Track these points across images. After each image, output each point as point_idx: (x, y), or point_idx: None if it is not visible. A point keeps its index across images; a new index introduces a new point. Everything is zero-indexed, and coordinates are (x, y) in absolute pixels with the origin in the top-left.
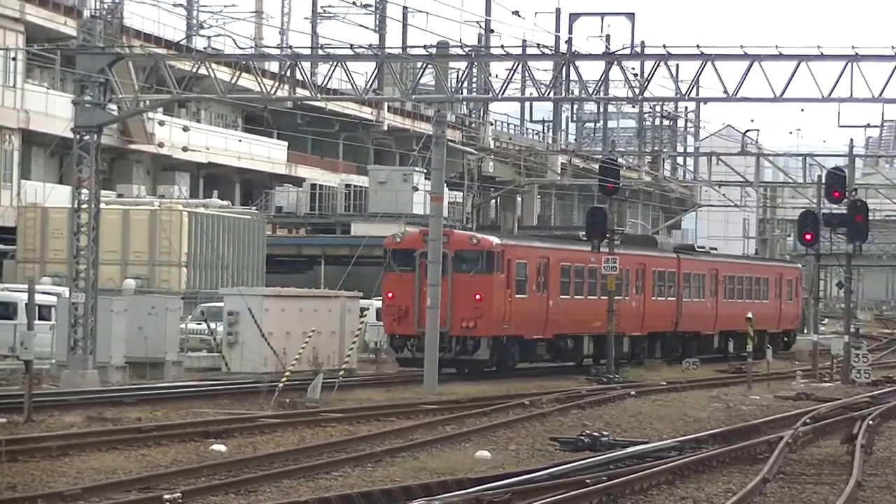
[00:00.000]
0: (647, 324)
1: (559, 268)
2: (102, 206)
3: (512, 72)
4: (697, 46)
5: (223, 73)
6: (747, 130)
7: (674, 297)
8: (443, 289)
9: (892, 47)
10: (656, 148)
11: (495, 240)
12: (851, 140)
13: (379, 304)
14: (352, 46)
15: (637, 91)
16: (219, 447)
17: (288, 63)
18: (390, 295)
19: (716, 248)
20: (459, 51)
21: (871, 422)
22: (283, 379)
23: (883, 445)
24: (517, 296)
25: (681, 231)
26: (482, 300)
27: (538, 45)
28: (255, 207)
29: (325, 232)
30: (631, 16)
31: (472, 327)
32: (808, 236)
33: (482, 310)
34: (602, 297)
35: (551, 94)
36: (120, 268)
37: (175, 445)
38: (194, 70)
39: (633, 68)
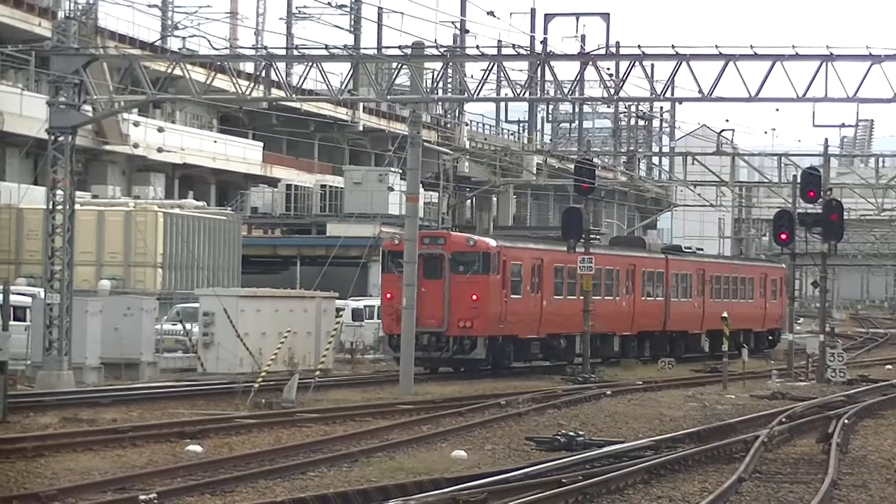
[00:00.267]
0: (637, 323)
1: (552, 269)
2: (77, 207)
3: (487, 72)
4: (672, 46)
5: (198, 74)
6: (722, 130)
7: (662, 297)
8: (440, 289)
9: (867, 47)
10: (632, 148)
11: (492, 241)
12: (826, 140)
13: (354, 304)
14: (327, 47)
15: (612, 91)
16: (194, 448)
17: (263, 64)
18: (388, 295)
19: (702, 249)
20: (434, 51)
21: (846, 421)
22: (259, 379)
23: (858, 444)
24: (512, 296)
25: (656, 231)
26: (479, 300)
27: (513, 45)
28: (230, 208)
29: (301, 232)
30: (606, 16)
31: (468, 327)
32: (783, 236)
33: (479, 310)
34: (595, 298)
35: (526, 95)
36: (95, 268)
37: (151, 446)
38: (169, 71)
39: (608, 68)
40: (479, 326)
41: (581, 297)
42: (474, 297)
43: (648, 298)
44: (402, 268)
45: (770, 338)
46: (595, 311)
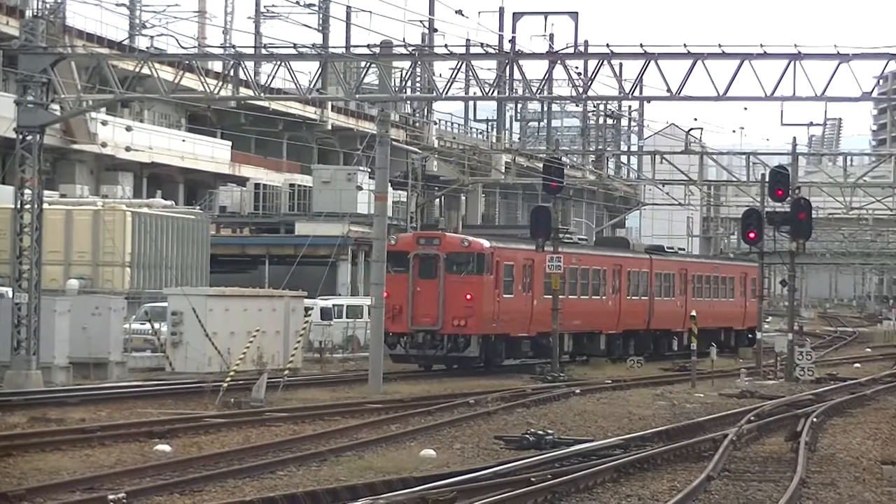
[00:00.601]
0: (623, 322)
1: (542, 269)
2: (45, 206)
3: (456, 71)
4: (641, 45)
5: (166, 73)
6: (691, 129)
7: (647, 296)
8: (435, 289)
9: (835, 46)
10: (600, 147)
11: (485, 242)
12: (794, 138)
13: (324, 303)
14: (295, 46)
15: (581, 90)
16: (163, 447)
17: (231, 62)
18: (385, 295)
19: (683, 249)
20: (403, 50)
21: (814, 419)
22: (228, 379)
23: (826, 443)
24: (505, 296)
25: (625, 229)
26: (473, 300)
27: (482, 44)
28: (198, 207)
29: (270, 231)
30: (574, 15)
31: (463, 325)
32: (751, 234)
33: (473, 309)
34: (581, 297)
35: (495, 94)
36: (63, 268)
37: (119, 445)
38: (137, 70)
39: (577, 67)
40: (473, 325)
41: (569, 297)
42: (468, 296)
43: (634, 298)
44: (399, 267)
45: (750, 336)
46: (583, 310)
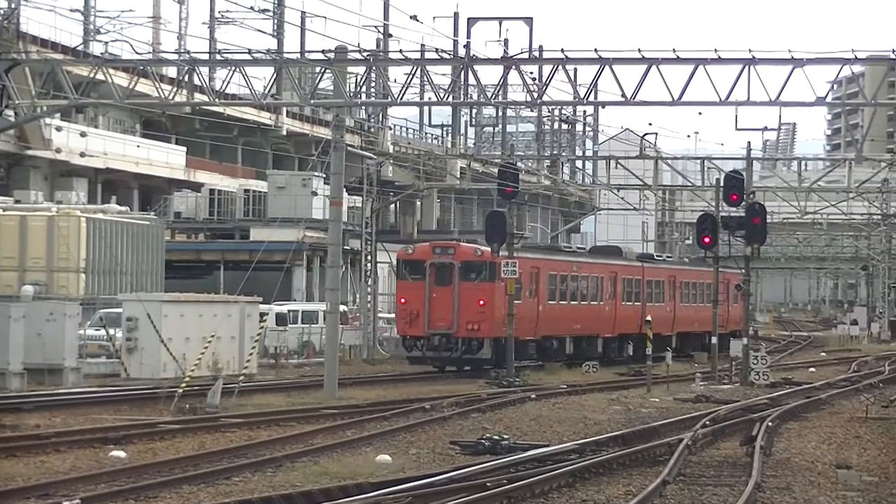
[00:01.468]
0: (618, 326)
1: (547, 276)
2: (0, 212)
3: (410, 76)
4: (595, 50)
5: (121, 79)
6: (645, 134)
7: (639, 301)
8: (450, 295)
9: (789, 51)
10: (555, 152)
11: None
12: (749, 143)
13: (279, 308)
14: (250, 51)
15: (535, 95)
16: (118, 453)
17: (186, 68)
18: (403, 300)
19: (671, 256)
20: (358, 55)
21: (770, 423)
22: (183, 384)
23: (782, 447)
24: (514, 302)
25: (580, 234)
26: (485, 305)
27: (436, 49)
28: (153, 213)
29: (224, 237)
30: (529, 20)
31: (476, 329)
32: (706, 239)
33: (485, 314)
34: (581, 303)
35: (450, 99)
36: (18, 274)
37: (74, 452)
38: (91, 75)
39: (532, 72)
40: (486, 329)
41: (570, 303)
42: (481, 302)
43: (627, 303)
44: (416, 275)
45: (732, 339)
46: (582, 315)
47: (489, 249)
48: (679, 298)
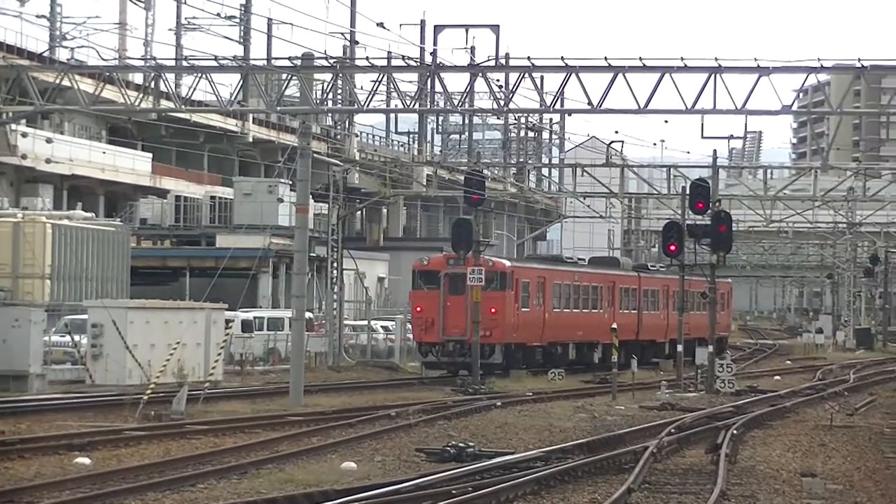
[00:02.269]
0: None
1: (552, 285)
2: None
3: (377, 83)
4: (562, 58)
5: (87, 85)
6: (612, 142)
7: (636, 309)
8: (463, 304)
9: (755, 59)
10: (521, 159)
11: (507, 262)
12: (715, 151)
13: (244, 315)
14: (216, 58)
15: (502, 103)
16: (83, 460)
17: (152, 74)
18: (418, 309)
19: (665, 267)
20: (324, 62)
21: (735, 431)
22: (148, 391)
23: (747, 455)
24: (522, 309)
25: (546, 242)
26: (497, 313)
27: (403, 56)
28: (119, 219)
29: (190, 244)
30: (496, 28)
31: (488, 336)
32: (672, 247)
33: (497, 321)
34: (584, 311)
35: (416, 106)
36: None
37: (39, 458)
38: (57, 81)
39: (498, 80)
40: (498, 335)
41: (573, 311)
42: (493, 310)
43: (625, 311)
44: (431, 285)
45: (720, 344)
46: (584, 323)
47: (500, 260)
48: (672, 307)
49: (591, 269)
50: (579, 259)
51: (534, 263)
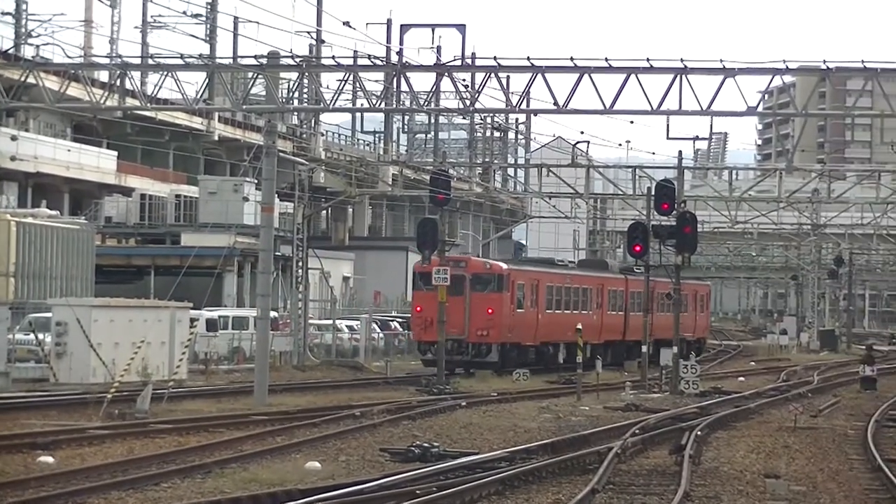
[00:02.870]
0: (604, 334)
1: (545, 287)
2: None
3: (343, 82)
4: (528, 58)
5: (52, 83)
6: (577, 142)
7: (622, 311)
8: (462, 304)
9: (721, 61)
10: (487, 159)
11: (504, 265)
12: (680, 152)
13: (209, 314)
14: (182, 56)
15: (468, 102)
16: (46, 459)
17: (117, 72)
18: (418, 309)
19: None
20: (290, 61)
21: (699, 432)
22: (112, 390)
23: (711, 456)
24: (517, 310)
25: (511, 242)
26: (494, 313)
27: (369, 55)
28: (84, 217)
29: (155, 242)
30: (462, 27)
31: (485, 335)
32: (637, 248)
33: (494, 321)
34: (574, 312)
35: (382, 105)
36: None
37: (2, 457)
38: (22, 79)
39: (464, 80)
40: (494, 335)
41: (564, 312)
42: (490, 310)
43: (612, 312)
44: (430, 286)
45: (697, 345)
46: (574, 323)
47: (497, 263)
48: (656, 308)
49: (581, 271)
50: (569, 262)
51: (528, 266)
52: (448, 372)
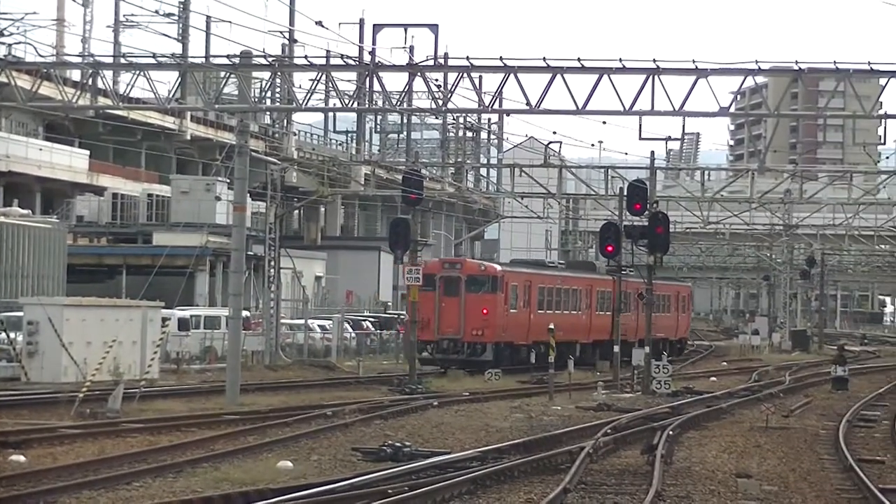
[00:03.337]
0: (593, 333)
1: (537, 288)
2: None
3: (315, 82)
4: (500, 59)
5: (24, 81)
6: (550, 142)
7: (610, 311)
8: (457, 305)
9: (693, 61)
10: (459, 159)
11: (498, 267)
12: (652, 152)
13: (181, 313)
14: (154, 55)
15: (440, 102)
16: (17, 458)
17: (90, 71)
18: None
19: (633, 271)
20: (263, 60)
21: (670, 432)
22: (84, 389)
23: (682, 455)
24: (511, 310)
25: (481, 242)
26: (488, 314)
27: (342, 55)
28: (55, 216)
29: (127, 241)
30: (434, 27)
31: (480, 335)
32: (609, 248)
33: (488, 321)
34: (565, 312)
35: (355, 105)
36: None
37: None
38: None
39: (437, 80)
40: (489, 334)
41: (556, 312)
42: (484, 311)
43: (601, 313)
44: (427, 287)
45: (678, 345)
46: (565, 323)
47: (491, 265)
48: (642, 308)
49: (571, 273)
50: (559, 263)
51: (520, 268)
52: (443, 370)
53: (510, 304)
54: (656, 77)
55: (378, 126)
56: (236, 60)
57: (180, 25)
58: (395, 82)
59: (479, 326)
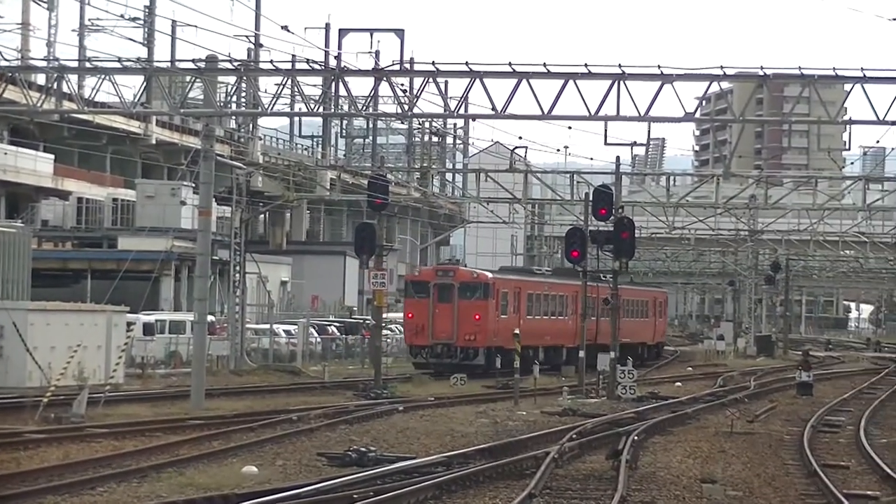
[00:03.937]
0: (578, 338)
1: (526, 295)
2: None
3: (281, 87)
4: (466, 63)
5: None
6: (516, 147)
7: (594, 317)
8: (450, 311)
9: (659, 67)
10: (425, 164)
11: (490, 274)
12: (618, 158)
13: (146, 318)
14: (119, 59)
15: (406, 107)
16: None
17: (55, 75)
18: (410, 315)
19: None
20: (228, 65)
21: (635, 437)
22: (48, 394)
23: (647, 461)
24: (501, 316)
25: (449, 247)
26: (480, 319)
27: (307, 60)
28: (20, 221)
29: (92, 246)
30: (400, 32)
31: (473, 340)
32: (575, 253)
33: (480, 326)
34: (551, 317)
35: (320, 110)
36: None
37: None
38: None
39: (402, 84)
40: (481, 339)
41: (542, 317)
42: (477, 316)
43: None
44: (421, 294)
45: (656, 350)
46: (552, 328)
47: (483, 272)
48: (623, 313)
49: (557, 279)
50: (546, 270)
51: (510, 275)
52: (436, 374)
53: (501, 310)
54: (622, 82)
55: (344, 131)
56: (202, 65)
57: (146, 30)
58: (360, 87)
59: (471, 332)
